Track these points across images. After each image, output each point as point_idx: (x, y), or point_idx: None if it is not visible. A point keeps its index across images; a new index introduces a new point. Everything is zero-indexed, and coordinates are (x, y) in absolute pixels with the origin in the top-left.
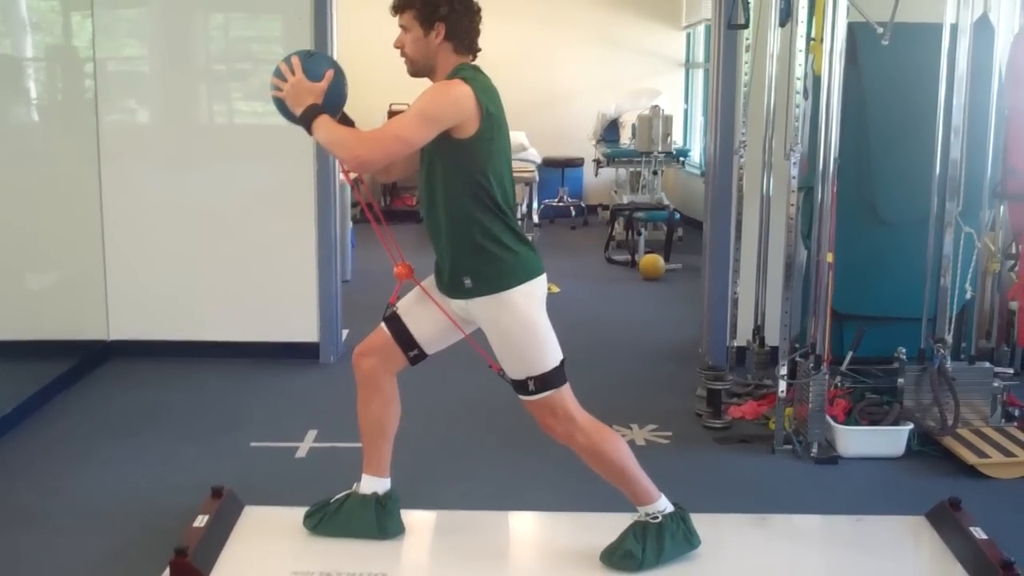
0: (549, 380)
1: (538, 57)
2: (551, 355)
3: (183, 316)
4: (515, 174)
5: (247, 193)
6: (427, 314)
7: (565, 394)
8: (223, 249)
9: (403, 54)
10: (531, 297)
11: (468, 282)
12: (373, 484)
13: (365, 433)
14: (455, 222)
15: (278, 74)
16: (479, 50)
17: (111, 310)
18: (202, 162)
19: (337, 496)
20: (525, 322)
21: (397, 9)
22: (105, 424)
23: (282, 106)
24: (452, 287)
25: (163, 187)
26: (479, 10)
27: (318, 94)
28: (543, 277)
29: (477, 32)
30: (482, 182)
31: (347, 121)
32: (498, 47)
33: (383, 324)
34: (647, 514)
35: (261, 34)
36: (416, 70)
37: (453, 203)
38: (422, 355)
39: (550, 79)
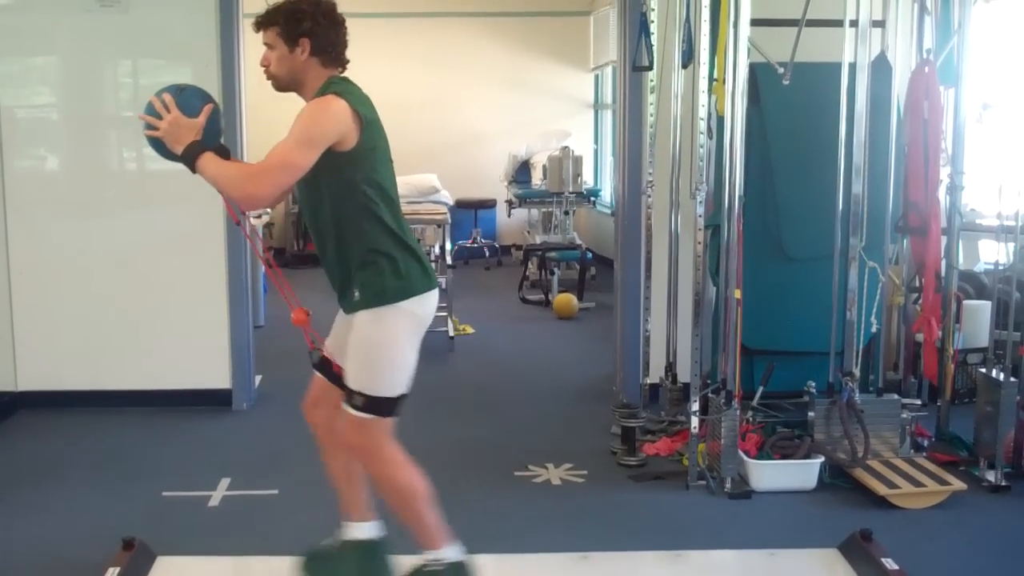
0: (378, 406)
1: (449, 100)
2: (395, 384)
3: (93, 365)
4: (427, 216)
5: (157, 239)
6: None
7: (385, 427)
8: (133, 297)
9: (268, 72)
10: (410, 316)
11: (356, 295)
12: (360, 530)
13: (339, 482)
14: (341, 234)
15: (151, 111)
16: (347, 62)
17: (19, 360)
18: (111, 209)
19: (325, 543)
20: (389, 340)
21: (260, 26)
22: (13, 476)
23: (159, 145)
24: (344, 300)
25: (71, 235)
26: (343, 21)
27: (198, 130)
28: (431, 294)
29: (344, 44)
30: (367, 191)
31: (224, 151)
32: (409, 90)
33: (316, 371)
34: (432, 560)
35: (170, 81)
36: (282, 86)
37: (338, 216)
38: None
39: (461, 121)
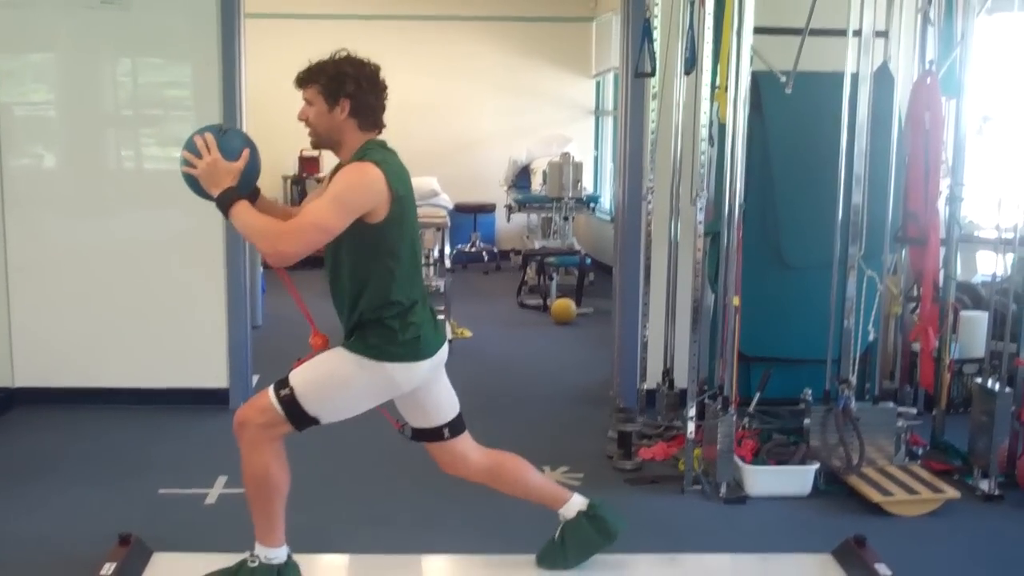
0: (294, 409)
1: (450, 104)
2: (323, 410)
3: (90, 363)
4: (427, 220)
5: (155, 238)
6: None
7: (282, 430)
8: (131, 295)
9: (308, 126)
10: (386, 379)
11: (352, 339)
12: (573, 505)
13: (527, 498)
14: (353, 292)
15: (191, 148)
16: (384, 126)
17: (16, 357)
18: (110, 207)
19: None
20: (350, 382)
21: (302, 83)
22: (9, 472)
23: (195, 184)
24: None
25: (69, 233)
26: (385, 87)
27: (235, 175)
28: (422, 363)
29: (383, 109)
30: (389, 264)
31: (255, 195)
32: (411, 93)
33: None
34: (256, 554)
35: (170, 79)
36: (319, 142)
37: (354, 277)
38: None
39: (462, 125)
